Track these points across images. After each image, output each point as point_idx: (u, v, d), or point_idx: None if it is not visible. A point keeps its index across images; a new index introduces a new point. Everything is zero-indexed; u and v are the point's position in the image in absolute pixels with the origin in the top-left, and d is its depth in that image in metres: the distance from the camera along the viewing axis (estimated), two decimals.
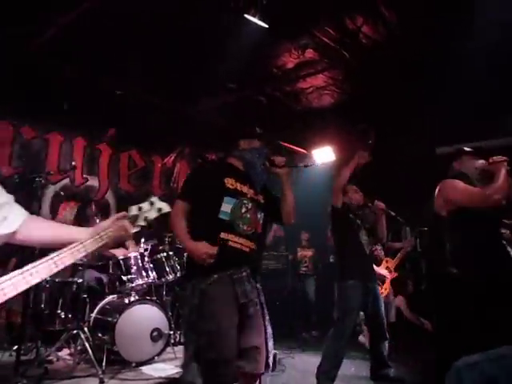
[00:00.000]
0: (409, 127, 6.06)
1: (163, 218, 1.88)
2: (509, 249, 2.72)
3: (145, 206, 1.75)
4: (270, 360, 2.41)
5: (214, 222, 2.38)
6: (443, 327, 2.77)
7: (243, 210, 2.46)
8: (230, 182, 2.47)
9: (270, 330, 2.42)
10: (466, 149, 3.00)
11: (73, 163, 5.40)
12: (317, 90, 6.02)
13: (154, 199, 1.78)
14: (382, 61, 5.06)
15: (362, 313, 4.04)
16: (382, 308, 3.95)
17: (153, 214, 1.75)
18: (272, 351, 2.43)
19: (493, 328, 2.27)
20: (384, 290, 5.50)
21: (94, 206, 5.20)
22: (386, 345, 3.92)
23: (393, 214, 4.25)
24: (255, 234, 2.51)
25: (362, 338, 5.36)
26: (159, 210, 1.77)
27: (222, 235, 2.36)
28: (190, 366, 2.22)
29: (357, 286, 3.71)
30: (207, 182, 2.47)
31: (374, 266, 4.35)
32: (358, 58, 4.98)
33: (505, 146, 4.91)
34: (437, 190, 2.89)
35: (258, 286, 2.49)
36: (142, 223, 1.73)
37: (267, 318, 2.44)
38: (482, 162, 2.84)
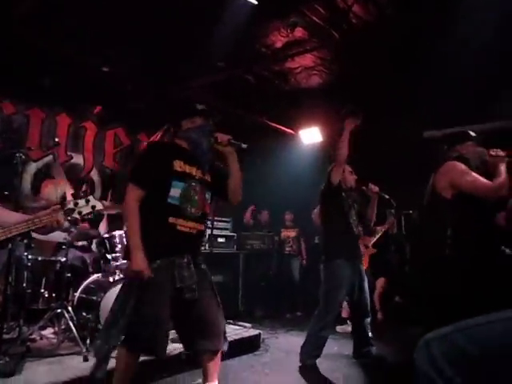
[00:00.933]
0: (398, 109, 6.05)
1: None
2: None
3: (81, 202, 2.07)
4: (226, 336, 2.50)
5: (162, 207, 2.35)
6: (433, 307, 2.85)
7: (192, 193, 2.43)
8: (178, 165, 2.42)
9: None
10: (472, 133, 3.07)
11: (56, 139, 5.26)
12: (305, 69, 5.93)
13: (90, 197, 2.11)
14: (372, 42, 5.00)
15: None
16: (366, 287, 4.00)
17: (87, 210, 2.08)
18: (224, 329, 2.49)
19: (486, 308, 2.33)
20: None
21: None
22: (369, 323, 3.98)
23: (387, 197, 4.27)
24: (203, 214, 2.51)
25: (339, 328, 5.41)
26: (93, 207, 2.09)
27: (171, 220, 2.34)
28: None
29: (344, 265, 3.73)
30: (157, 165, 2.41)
31: None
32: (348, 38, 4.91)
33: (493, 129, 4.96)
34: (440, 171, 2.91)
35: (203, 266, 2.50)
36: (77, 216, 2.06)
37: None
38: (484, 151, 2.93)
